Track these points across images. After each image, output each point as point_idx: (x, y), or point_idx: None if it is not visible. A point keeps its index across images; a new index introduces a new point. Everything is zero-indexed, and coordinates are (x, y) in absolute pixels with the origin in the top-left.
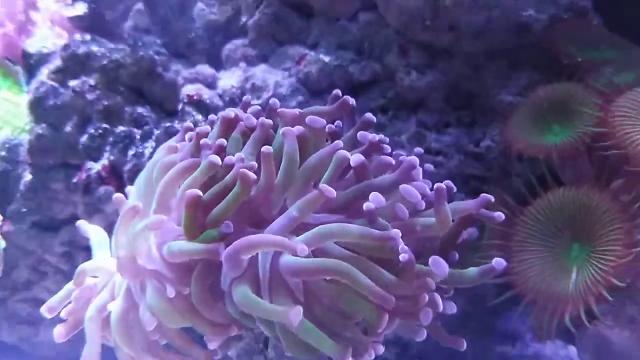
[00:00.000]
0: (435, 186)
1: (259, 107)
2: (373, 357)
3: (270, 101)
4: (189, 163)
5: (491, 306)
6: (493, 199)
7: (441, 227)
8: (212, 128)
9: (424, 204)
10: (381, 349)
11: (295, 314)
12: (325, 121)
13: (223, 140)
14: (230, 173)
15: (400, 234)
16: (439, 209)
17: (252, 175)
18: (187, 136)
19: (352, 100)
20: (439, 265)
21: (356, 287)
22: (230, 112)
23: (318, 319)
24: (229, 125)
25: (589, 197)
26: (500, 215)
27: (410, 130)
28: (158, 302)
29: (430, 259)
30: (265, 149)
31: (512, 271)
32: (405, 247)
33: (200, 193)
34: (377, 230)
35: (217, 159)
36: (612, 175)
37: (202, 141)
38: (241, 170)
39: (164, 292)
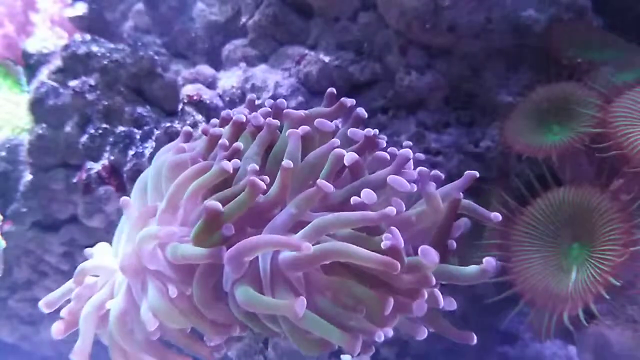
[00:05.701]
0: (417, 170)
1: (269, 109)
2: (382, 339)
3: (278, 101)
4: (202, 166)
5: (490, 305)
6: (477, 175)
7: (433, 210)
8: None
9: (415, 187)
10: (390, 333)
11: (300, 305)
12: (334, 125)
13: (240, 144)
14: (242, 182)
15: (399, 229)
16: (425, 191)
17: (262, 185)
18: (197, 134)
19: (350, 101)
20: (428, 254)
21: (357, 260)
22: (242, 115)
23: (322, 312)
24: (240, 128)
25: (588, 197)
26: (497, 215)
27: (409, 130)
28: (160, 303)
29: (419, 248)
30: (286, 163)
31: (511, 270)
32: (389, 235)
33: (221, 208)
34: (372, 213)
35: (228, 165)
36: (611, 175)
37: (220, 141)
38: (251, 179)
39: (166, 292)
